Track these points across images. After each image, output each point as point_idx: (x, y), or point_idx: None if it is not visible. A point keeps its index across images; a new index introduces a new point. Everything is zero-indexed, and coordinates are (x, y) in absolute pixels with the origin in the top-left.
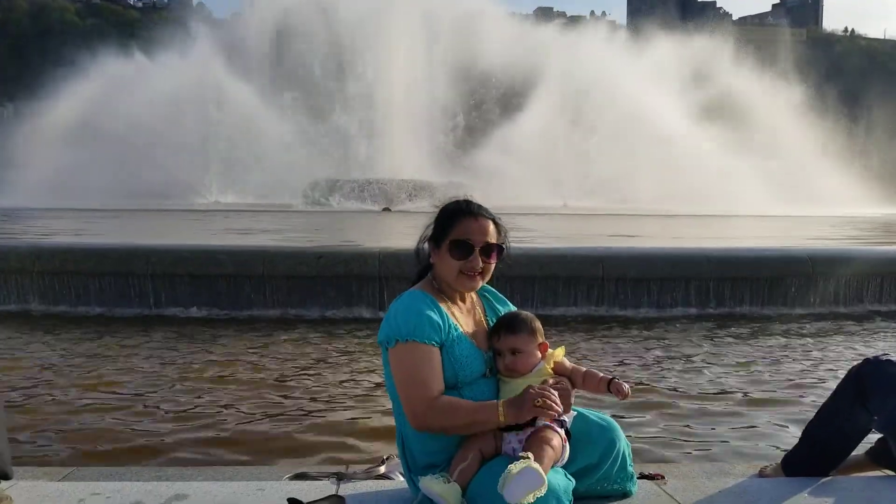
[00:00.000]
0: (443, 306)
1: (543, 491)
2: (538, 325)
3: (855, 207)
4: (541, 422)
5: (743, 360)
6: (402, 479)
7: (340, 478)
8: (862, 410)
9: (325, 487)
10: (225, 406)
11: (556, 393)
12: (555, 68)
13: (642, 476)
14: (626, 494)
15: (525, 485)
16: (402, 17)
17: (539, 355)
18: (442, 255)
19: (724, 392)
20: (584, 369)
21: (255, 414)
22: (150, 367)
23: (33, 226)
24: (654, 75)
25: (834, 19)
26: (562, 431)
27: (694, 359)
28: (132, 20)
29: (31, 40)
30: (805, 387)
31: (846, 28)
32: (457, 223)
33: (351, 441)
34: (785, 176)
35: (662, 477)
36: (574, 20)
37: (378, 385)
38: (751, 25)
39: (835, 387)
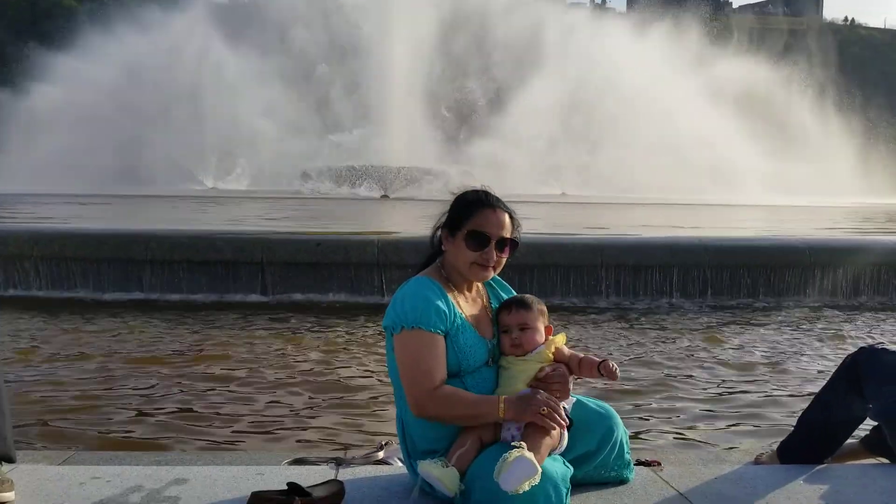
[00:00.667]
0: (449, 295)
1: (538, 479)
2: (545, 308)
3: (858, 197)
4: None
5: (740, 348)
6: (400, 464)
7: (339, 463)
8: (857, 398)
9: (325, 472)
10: (223, 391)
11: (565, 408)
12: (555, 53)
13: (639, 463)
14: (623, 481)
15: (519, 474)
16: (403, 2)
17: (544, 336)
18: (457, 243)
19: (721, 380)
20: (582, 355)
21: (253, 398)
22: (148, 352)
23: (22, 211)
24: (654, 62)
25: (834, 9)
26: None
27: (691, 347)
28: (130, 2)
29: (28, 25)
30: (802, 375)
31: (846, 17)
32: (475, 213)
33: (349, 426)
34: (789, 164)
35: (659, 464)
36: (574, 7)
37: (375, 371)
38: (751, 14)
39: (831, 375)
